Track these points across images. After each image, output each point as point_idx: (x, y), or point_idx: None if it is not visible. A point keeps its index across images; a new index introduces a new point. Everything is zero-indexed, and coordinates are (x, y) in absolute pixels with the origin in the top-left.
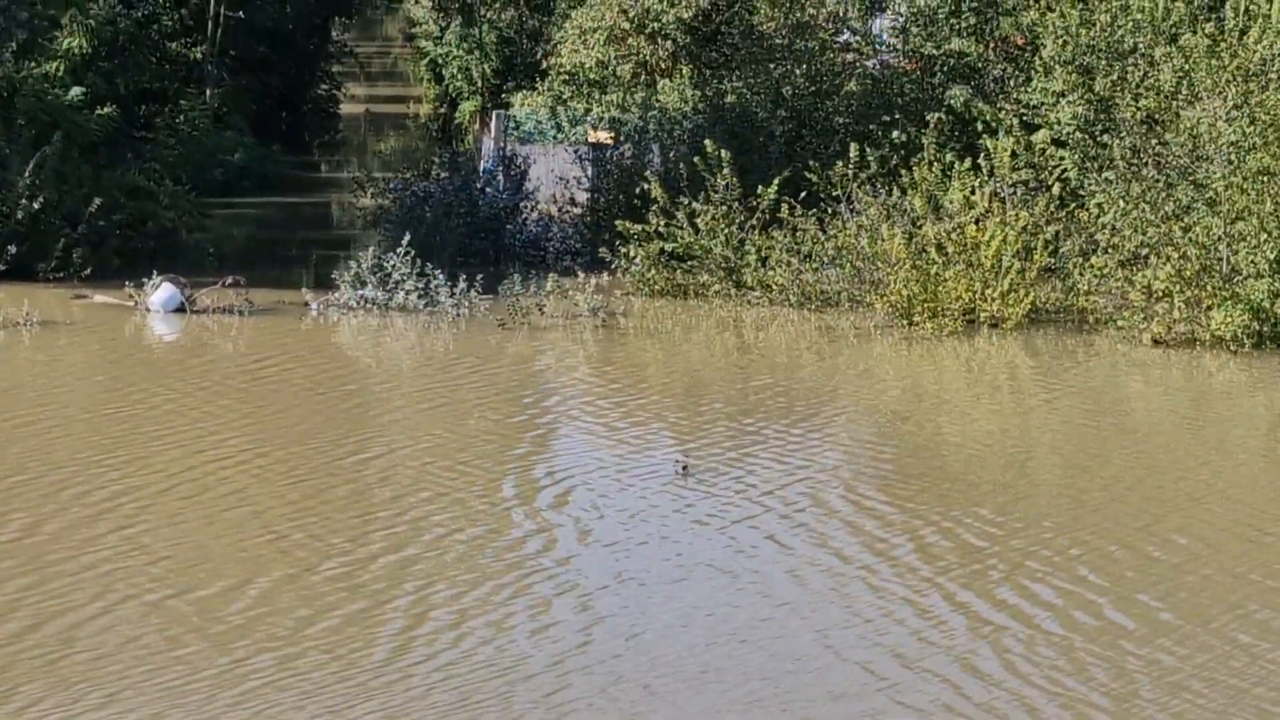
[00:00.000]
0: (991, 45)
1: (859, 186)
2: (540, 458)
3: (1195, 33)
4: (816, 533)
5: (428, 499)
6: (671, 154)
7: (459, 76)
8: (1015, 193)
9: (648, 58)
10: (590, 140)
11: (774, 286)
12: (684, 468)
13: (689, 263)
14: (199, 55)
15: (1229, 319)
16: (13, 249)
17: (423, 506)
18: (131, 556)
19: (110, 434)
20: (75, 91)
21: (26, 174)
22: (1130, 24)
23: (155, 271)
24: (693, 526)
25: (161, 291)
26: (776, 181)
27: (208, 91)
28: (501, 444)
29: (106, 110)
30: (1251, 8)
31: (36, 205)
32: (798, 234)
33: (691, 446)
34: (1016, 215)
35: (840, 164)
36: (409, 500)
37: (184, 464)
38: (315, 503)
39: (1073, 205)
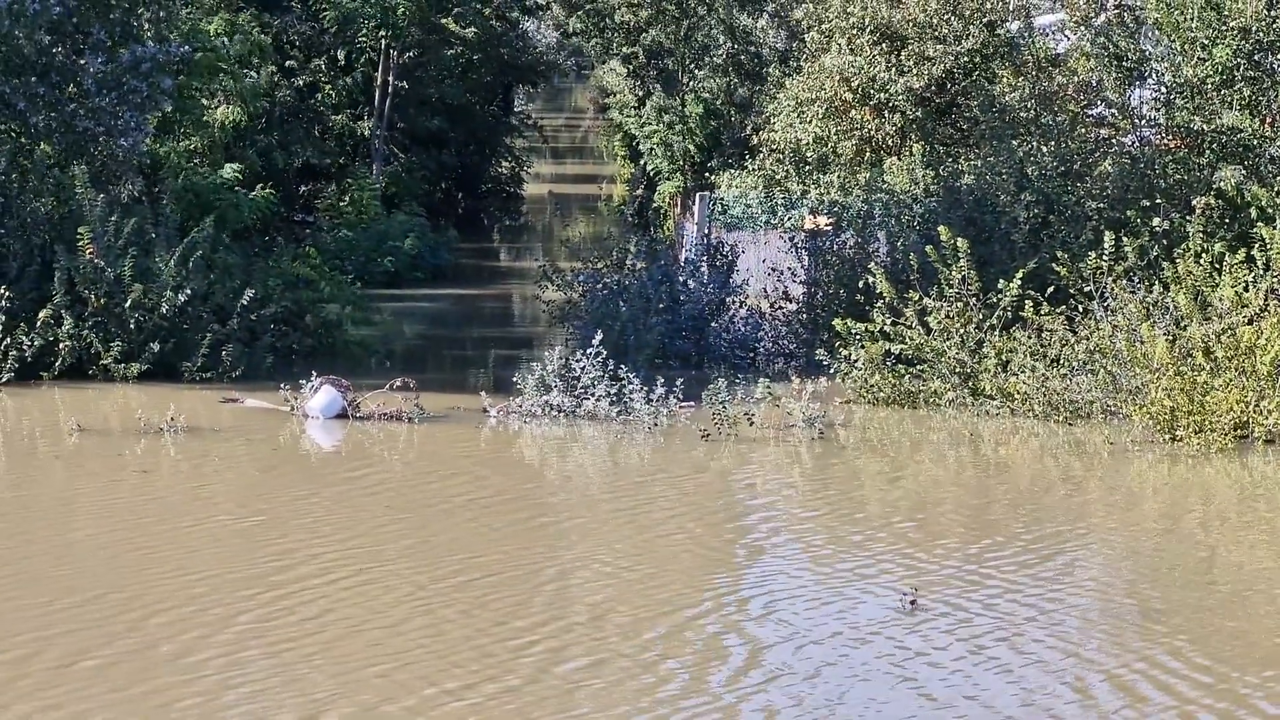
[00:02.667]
0: (1269, 120)
1: (1114, 281)
2: (748, 590)
3: None
4: (1061, 688)
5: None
6: (900, 243)
7: (658, 153)
8: None
9: (873, 133)
10: (807, 226)
11: (1016, 395)
12: (912, 602)
13: (918, 367)
14: (366, 130)
15: None
16: (156, 346)
17: (600, 676)
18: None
19: (258, 557)
20: (229, 169)
21: (172, 262)
22: None
23: (314, 372)
24: (917, 668)
25: (321, 395)
26: (1020, 275)
27: (374, 169)
28: (704, 573)
29: (263, 191)
30: None
31: (183, 298)
32: (1044, 335)
33: (920, 579)
34: None
35: (1093, 255)
36: (593, 663)
37: (338, 595)
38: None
39: None
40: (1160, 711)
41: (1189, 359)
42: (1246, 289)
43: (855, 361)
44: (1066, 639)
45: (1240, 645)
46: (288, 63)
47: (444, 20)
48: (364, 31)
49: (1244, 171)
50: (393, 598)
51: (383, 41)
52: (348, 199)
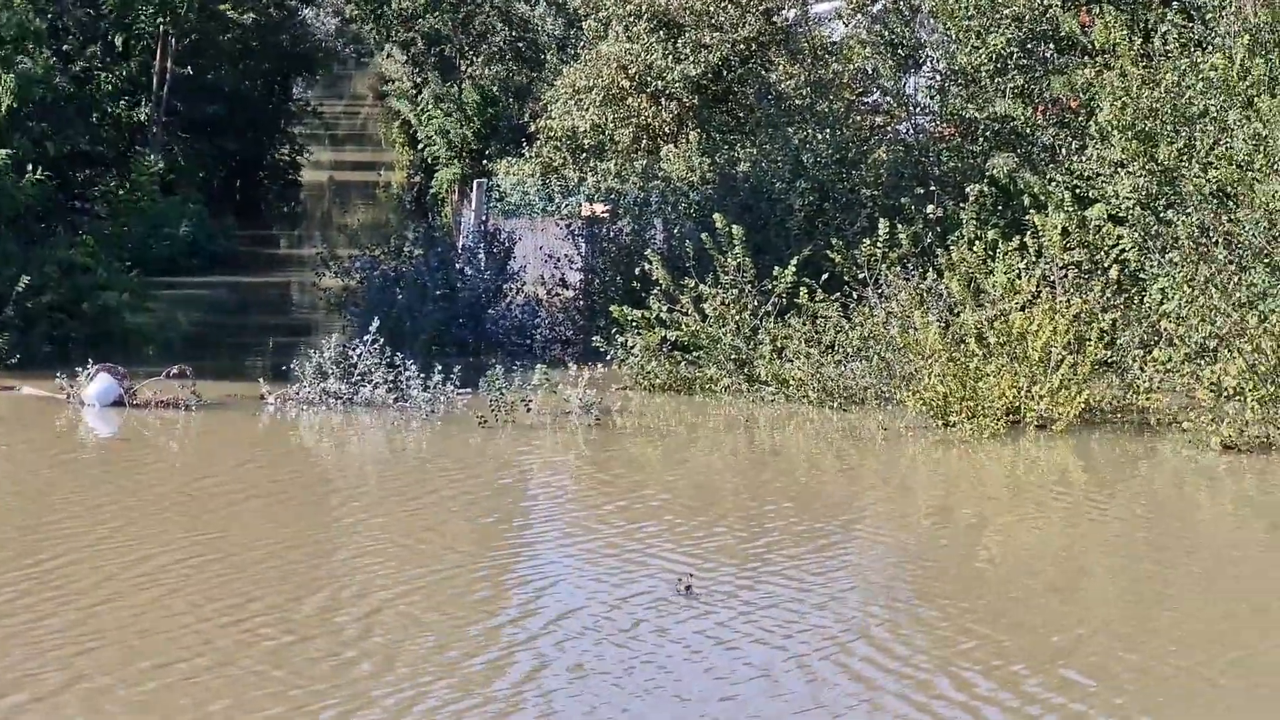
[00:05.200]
0: (1041, 108)
1: (888, 268)
2: (522, 575)
3: (1275, 95)
4: (831, 667)
5: (396, 631)
6: (676, 230)
7: (436, 140)
8: (1067, 276)
9: (650, 120)
10: (584, 214)
11: (791, 381)
12: (687, 588)
13: (695, 354)
14: (144, 117)
15: None
16: None
17: (415, 640)
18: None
19: (24, 546)
20: None
21: None
22: (1200, 84)
23: (91, 360)
24: (689, 654)
25: (97, 383)
26: (795, 262)
27: (153, 157)
28: (480, 560)
29: (36, 176)
30: None
31: None
32: (818, 322)
33: (695, 563)
34: (1068, 302)
35: (867, 242)
36: (376, 636)
37: (111, 586)
38: (264, 629)
39: (1132, 290)
40: (940, 697)
41: (962, 345)
42: (1019, 276)
43: (632, 348)
44: (843, 619)
45: (1013, 628)
46: (64, 47)
47: (222, 7)
48: (142, 17)
49: (1017, 159)
50: (134, 582)
51: (161, 28)
52: (126, 186)
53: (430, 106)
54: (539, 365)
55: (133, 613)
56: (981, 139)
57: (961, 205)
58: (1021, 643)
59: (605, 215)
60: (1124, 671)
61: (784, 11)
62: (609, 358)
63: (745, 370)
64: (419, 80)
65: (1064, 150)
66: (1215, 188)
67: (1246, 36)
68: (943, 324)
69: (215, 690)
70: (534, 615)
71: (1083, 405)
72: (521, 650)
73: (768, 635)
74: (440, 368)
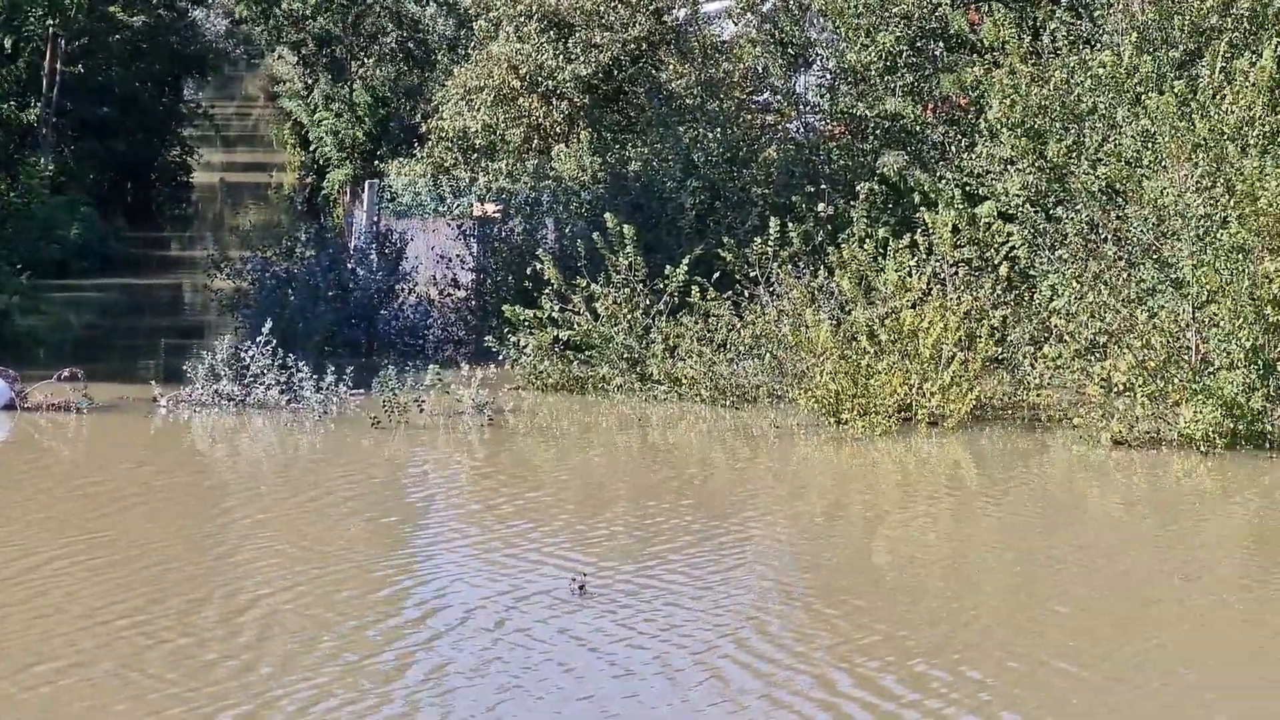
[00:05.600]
0: (930, 106)
1: (780, 266)
2: (419, 575)
3: (1162, 92)
4: (728, 663)
5: (287, 630)
6: (567, 229)
7: (327, 141)
8: (957, 273)
9: (541, 120)
10: (476, 214)
11: (684, 380)
12: (580, 587)
13: (587, 353)
14: (33, 118)
15: (1199, 416)
16: None
17: (281, 640)
18: None
19: None
20: None
21: None
22: (1088, 82)
23: None
24: (586, 653)
25: None
26: (686, 261)
27: (43, 159)
28: (373, 561)
29: None
30: (1227, 66)
31: None
32: (710, 320)
33: (589, 562)
34: (958, 299)
35: (759, 241)
36: (276, 637)
37: (5, 590)
38: (151, 639)
39: (1022, 287)
40: (813, 667)
41: (853, 343)
42: (910, 274)
43: (524, 348)
44: (739, 615)
45: (907, 625)
46: None
47: (112, 9)
48: (31, 19)
49: (907, 157)
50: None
51: (51, 29)
52: (15, 188)
53: (321, 107)
54: (431, 365)
55: (30, 616)
56: (871, 137)
57: (852, 203)
58: (909, 638)
59: (497, 215)
60: (999, 666)
61: (674, 11)
62: (501, 358)
63: (638, 369)
64: (310, 81)
65: (954, 148)
66: (1104, 185)
67: (1134, 34)
68: (834, 322)
69: (114, 693)
70: (431, 616)
71: (974, 402)
72: (420, 650)
73: (662, 633)
74: (333, 369)
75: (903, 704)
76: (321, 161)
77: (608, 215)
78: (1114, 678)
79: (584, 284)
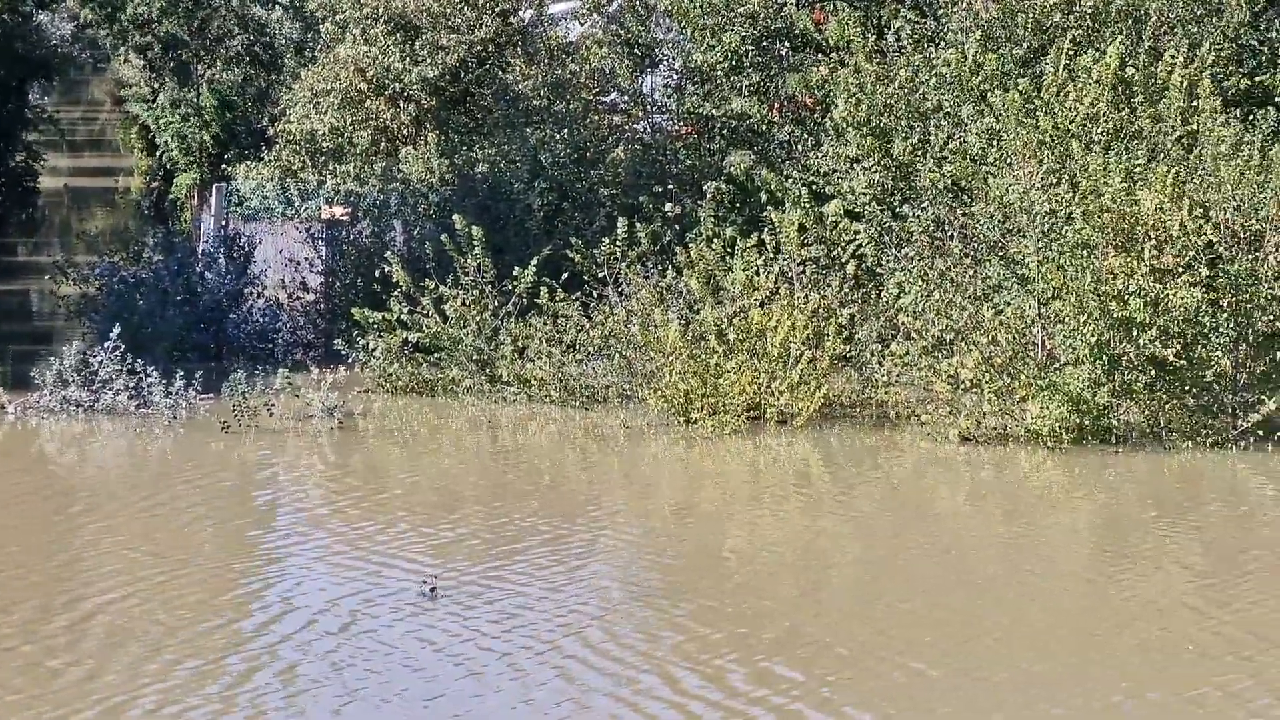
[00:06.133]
0: (777, 106)
1: (628, 266)
2: (267, 579)
3: (1007, 90)
4: (576, 663)
5: (134, 636)
6: (416, 232)
7: (174, 145)
8: (804, 272)
9: (388, 123)
10: (324, 217)
11: (533, 381)
12: (432, 589)
13: (436, 355)
14: None
15: (1045, 412)
16: None
17: (128, 647)
18: None
19: None
20: None
21: None
22: (933, 80)
23: None
24: (434, 654)
25: None
26: (535, 262)
27: None
28: (222, 565)
29: None
30: (1070, 63)
31: None
32: (559, 321)
33: (443, 564)
34: (806, 298)
35: (607, 241)
36: (116, 647)
37: None
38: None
39: (869, 285)
40: (661, 665)
41: (702, 342)
42: (757, 273)
43: (373, 351)
44: (587, 615)
45: (755, 623)
46: None
47: None
48: None
49: (753, 156)
50: None
51: None
52: None
53: (168, 111)
54: (281, 369)
55: None
56: (718, 137)
57: (699, 203)
58: (757, 636)
59: (345, 218)
60: (847, 663)
61: (520, 12)
62: (351, 360)
63: (487, 371)
64: (156, 85)
65: (800, 147)
66: (950, 182)
67: (979, 32)
68: (683, 322)
69: None
70: (279, 619)
71: (822, 400)
72: (267, 654)
73: (509, 633)
74: (182, 373)
75: (749, 700)
76: (169, 166)
77: (456, 217)
78: (961, 672)
79: (432, 286)
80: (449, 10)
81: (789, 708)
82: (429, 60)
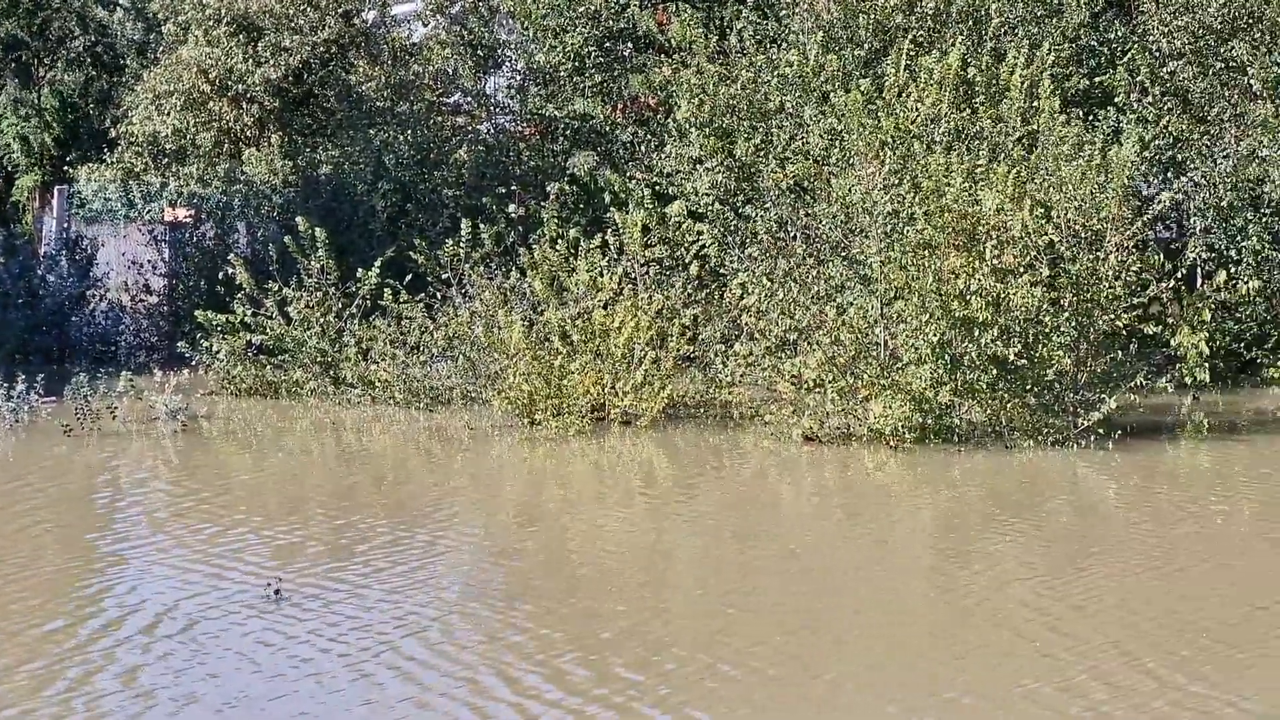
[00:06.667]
0: (620, 106)
1: (472, 268)
2: (108, 581)
3: (849, 90)
4: (416, 664)
5: None
6: (259, 233)
7: (15, 147)
8: (648, 273)
9: (232, 124)
10: (167, 219)
11: (377, 383)
12: (276, 591)
13: (280, 357)
14: None
15: (888, 411)
16: None
17: None
18: None
19: None
20: None
21: None
22: (775, 81)
23: None
24: (276, 656)
25: None
26: (379, 263)
27: None
28: (62, 569)
29: None
30: (911, 64)
31: None
32: (404, 323)
33: (285, 565)
34: (650, 298)
35: (451, 242)
36: None
37: None
38: None
39: (713, 286)
40: (501, 664)
41: (546, 343)
42: (601, 273)
43: (217, 353)
44: (428, 616)
45: (597, 623)
46: None
47: None
48: None
49: (597, 157)
50: None
51: None
52: None
53: (9, 113)
54: (124, 372)
55: None
56: (562, 138)
57: (543, 204)
58: (598, 635)
59: (188, 220)
60: (688, 662)
61: (363, 14)
62: (194, 363)
63: (331, 373)
64: None
65: (643, 148)
66: (793, 183)
67: (820, 33)
68: (527, 323)
69: None
70: (119, 624)
71: (666, 401)
72: (104, 658)
73: (350, 634)
74: (23, 376)
75: (587, 699)
76: (9, 168)
77: (299, 218)
78: (801, 670)
79: (276, 288)
80: (292, 12)
81: (627, 706)
82: (272, 61)
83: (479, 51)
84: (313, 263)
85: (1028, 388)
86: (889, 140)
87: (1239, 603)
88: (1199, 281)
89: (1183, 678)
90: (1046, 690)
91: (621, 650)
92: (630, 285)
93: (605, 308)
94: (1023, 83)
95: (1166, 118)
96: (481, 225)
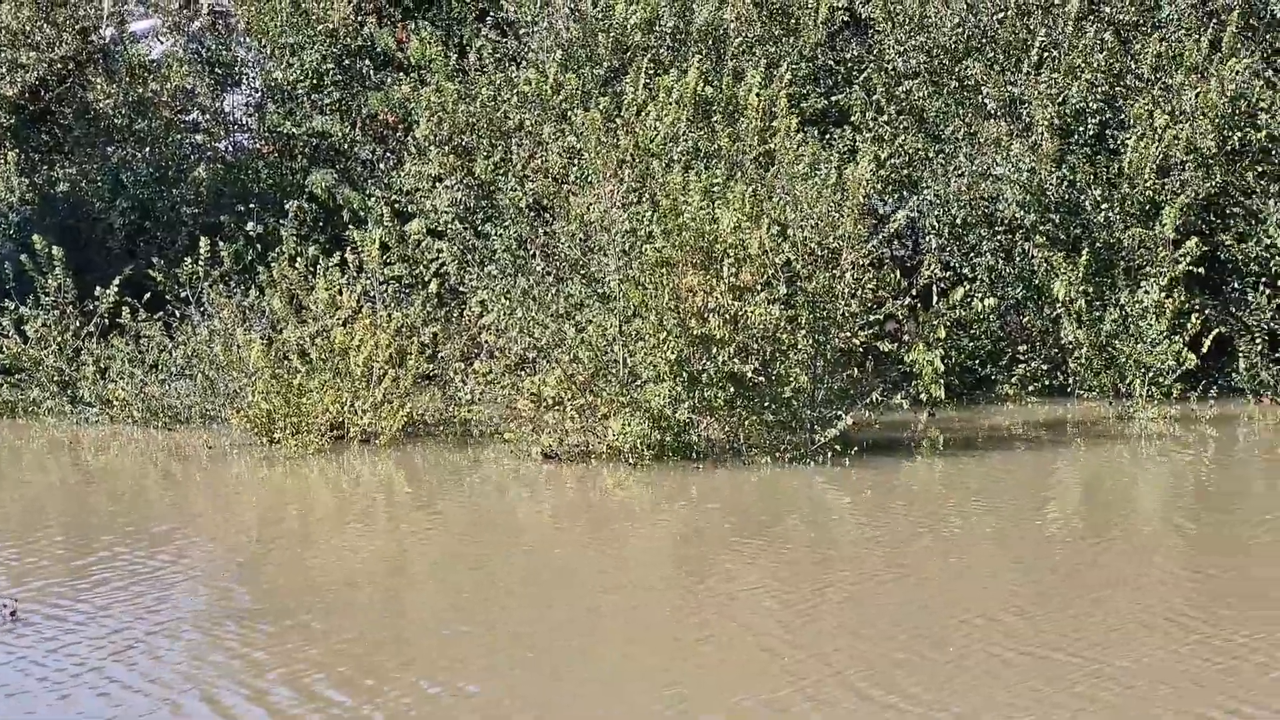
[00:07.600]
0: (359, 124)
1: (211, 286)
2: None
3: (588, 109)
4: (116, 686)
5: None
6: None
7: None
8: (388, 291)
9: None
10: None
11: (116, 402)
12: (12, 613)
13: (16, 376)
14: None
15: (626, 429)
16: None
17: None
18: None
19: None
20: None
21: None
22: (515, 99)
23: None
24: (13, 676)
25: None
26: (117, 281)
27: None
28: None
29: None
30: (651, 83)
31: None
32: (142, 341)
33: (20, 587)
34: (389, 316)
35: (189, 261)
36: None
37: None
38: None
39: (453, 304)
40: (239, 687)
41: (285, 362)
42: (340, 291)
43: None
44: (168, 636)
45: (336, 642)
46: None
47: None
48: None
49: (336, 175)
50: None
51: None
52: None
53: None
54: None
55: None
56: (300, 155)
57: (282, 222)
58: (335, 655)
59: None
60: (429, 681)
61: (101, 31)
62: None
63: (69, 392)
64: None
65: (382, 165)
66: (532, 201)
67: (559, 51)
68: (266, 341)
69: None
70: None
71: (406, 419)
72: None
73: (53, 655)
74: None
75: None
76: None
77: (36, 237)
78: (536, 683)
79: (12, 307)
80: (28, 27)
81: None
82: (8, 78)
83: (217, 69)
84: (50, 281)
85: (765, 405)
86: (627, 158)
87: (954, 614)
88: (934, 299)
89: (881, 691)
90: (794, 697)
91: (335, 671)
92: (369, 303)
93: (344, 326)
94: (760, 102)
95: (902, 136)
96: (220, 243)
